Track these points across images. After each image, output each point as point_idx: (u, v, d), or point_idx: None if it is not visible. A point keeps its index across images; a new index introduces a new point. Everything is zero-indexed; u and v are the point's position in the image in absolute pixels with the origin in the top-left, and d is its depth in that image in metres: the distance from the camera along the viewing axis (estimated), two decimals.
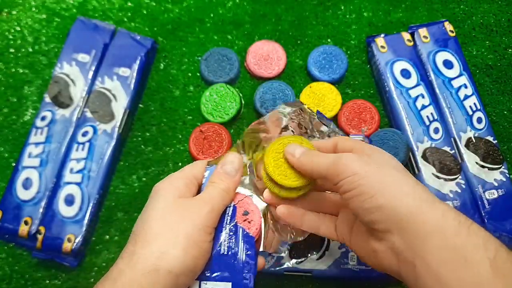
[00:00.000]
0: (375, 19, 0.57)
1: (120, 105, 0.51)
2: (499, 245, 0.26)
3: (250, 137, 0.41)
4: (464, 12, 0.57)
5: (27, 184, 0.48)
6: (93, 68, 0.52)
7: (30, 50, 0.56)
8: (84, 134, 0.50)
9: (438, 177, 0.48)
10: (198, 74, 0.55)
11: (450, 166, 0.48)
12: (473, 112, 0.50)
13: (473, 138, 0.49)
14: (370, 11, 0.57)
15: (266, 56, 0.54)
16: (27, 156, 0.49)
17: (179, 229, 0.30)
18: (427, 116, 0.50)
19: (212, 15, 0.58)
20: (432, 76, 0.51)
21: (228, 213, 0.34)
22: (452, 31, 0.53)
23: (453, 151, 0.49)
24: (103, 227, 0.50)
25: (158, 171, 0.52)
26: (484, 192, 0.48)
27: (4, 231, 0.47)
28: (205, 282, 0.32)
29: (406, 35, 0.53)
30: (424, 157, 0.48)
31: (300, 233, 0.39)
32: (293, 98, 0.52)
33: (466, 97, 0.50)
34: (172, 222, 0.30)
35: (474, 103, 0.50)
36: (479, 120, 0.50)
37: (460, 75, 0.51)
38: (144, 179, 0.51)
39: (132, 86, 0.52)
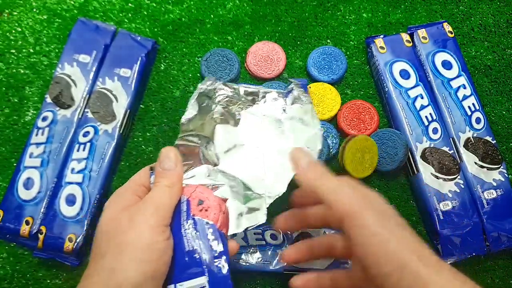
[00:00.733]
0: (375, 20, 0.57)
1: (121, 106, 0.51)
2: None
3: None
4: (463, 13, 0.57)
5: (28, 184, 0.49)
6: (94, 68, 0.53)
7: (31, 50, 0.56)
8: (85, 135, 0.50)
9: (437, 177, 0.48)
10: (199, 75, 0.56)
11: (449, 166, 0.48)
12: (472, 112, 0.50)
13: (472, 138, 0.49)
14: (369, 12, 0.58)
15: (266, 57, 0.54)
16: (28, 156, 0.49)
17: (124, 240, 0.30)
18: (426, 117, 0.50)
19: (212, 16, 0.58)
20: (431, 77, 0.52)
21: (182, 209, 0.34)
22: (451, 32, 0.54)
23: (452, 151, 0.49)
24: None
25: None
26: (483, 192, 0.48)
27: (5, 230, 0.48)
28: (180, 283, 0.31)
29: (405, 36, 0.53)
30: (423, 157, 0.49)
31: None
32: None
33: (465, 97, 0.51)
34: (117, 235, 0.30)
35: (473, 104, 0.51)
36: (478, 120, 0.50)
37: (459, 75, 0.52)
38: None
39: (133, 86, 0.52)
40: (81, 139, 0.50)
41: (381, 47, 0.53)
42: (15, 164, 0.51)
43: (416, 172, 0.49)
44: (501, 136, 0.52)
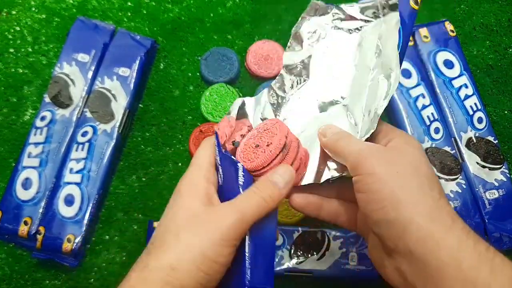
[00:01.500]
0: None
1: (120, 105, 0.51)
2: None
3: None
4: (465, 12, 0.57)
5: (26, 184, 0.48)
6: (93, 68, 0.52)
7: (30, 50, 0.56)
8: (84, 134, 0.50)
9: (438, 177, 0.48)
10: (198, 74, 0.55)
11: (450, 166, 0.48)
12: (474, 112, 0.50)
13: (473, 138, 0.49)
14: None
15: (266, 56, 0.54)
16: (26, 156, 0.49)
17: (194, 243, 0.28)
18: (428, 116, 0.50)
19: (212, 15, 0.58)
20: (433, 76, 0.51)
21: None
22: (452, 31, 0.53)
23: (454, 151, 0.49)
24: (103, 227, 0.49)
25: (158, 171, 0.51)
26: (484, 192, 0.47)
27: (3, 231, 0.47)
28: None
29: None
30: None
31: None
32: None
33: (467, 97, 0.50)
34: (188, 235, 0.28)
35: (475, 103, 0.50)
36: (480, 120, 0.50)
37: (461, 75, 0.51)
38: (144, 179, 0.51)
39: (132, 86, 0.52)
40: (80, 139, 0.49)
41: None
42: (13, 164, 0.51)
43: None
44: (503, 136, 0.52)
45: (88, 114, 0.50)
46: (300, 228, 0.47)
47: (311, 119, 0.36)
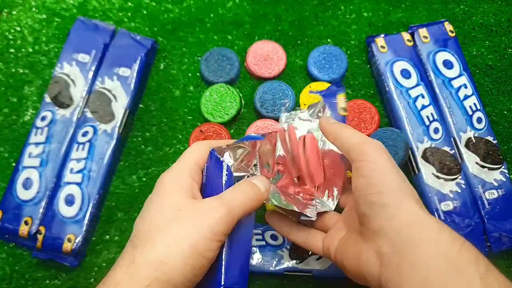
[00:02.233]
0: (375, 19, 0.57)
1: (120, 105, 0.51)
2: (490, 264, 0.26)
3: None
4: (464, 12, 0.57)
5: (27, 184, 0.48)
6: (93, 68, 0.52)
7: (30, 50, 0.56)
8: (84, 134, 0.50)
9: (438, 177, 0.48)
10: (198, 74, 0.55)
11: (450, 166, 0.48)
12: (473, 112, 0.50)
13: (473, 138, 0.49)
14: (370, 11, 0.57)
15: (266, 56, 0.54)
16: (27, 156, 0.49)
17: (182, 236, 0.28)
18: (427, 116, 0.50)
19: (212, 15, 0.58)
20: (432, 76, 0.51)
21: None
22: (452, 31, 0.53)
23: (453, 151, 0.49)
24: (103, 227, 0.50)
25: (158, 171, 0.52)
26: (484, 192, 0.48)
27: (4, 231, 0.47)
28: None
29: (406, 35, 0.53)
30: (424, 157, 0.48)
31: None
32: (293, 97, 0.52)
33: (466, 97, 0.50)
34: (176, 228, 0.28)
35: (474, 103, 0.50)
36: (479, 120, 0.50)
37: (460, 75, 0.51)
38: (144, 179, 0.51)
39: (132, 86, 0.52)
40: (80, 139, 0.50)
41: (382, 47, 0.52)
42: (14, 164, 0.51)
43: (417, 172, 0.48)
44: (502, 136, 0.52)
45: (89, 114, 0.51)
46: None
47: None
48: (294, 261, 0.45)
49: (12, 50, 0.56)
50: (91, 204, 0.47)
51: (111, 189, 0.51)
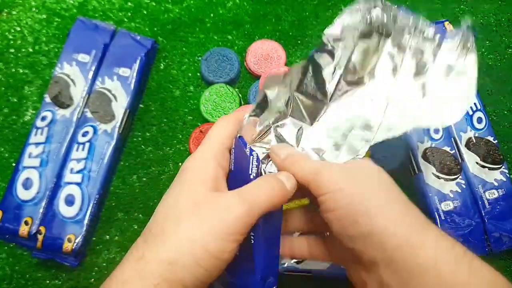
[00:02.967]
0: None
1: (120, 105, 0.51)
2: (507, 285, 0.23)
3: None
4: (464, 12, 0.57)
5: (27, 184, 0.48)
6: (93, 68, 0.52)
7: (30, 50, 0.56)
8: (84, 134, 0.50)
9: (438, 177, 0.48)
10: (198, 74, 0.55)
11: (450, 166, 0.48)
12: (473, 112, 0.50)
13: (473, 138, 0.49)
14: None
15: (266, 56, 0.54)
16: (27, 156, 0.49)
17: (195, 236, 0.25)
18: None
19: (212, 15, 0.58)
20: None
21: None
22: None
23: (454, 151, 0.49)
24: (103, 227, 0.50)
25: (158, 171, 0.52)
26: (484, 192, 0.47)
27: (4, 231, 0.47)
28: None
29: None
30: (424, 157, 0.48)
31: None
32: None
33: None
34: (189, 227, 0.26)
35: (474, 103, 0.50)
36: (479, 120, 0.50)
37: None
38: (144, 179, 0.51)
39: (132, 86, 0.52)
40: (80, 139, 0.50)
41: None
42: (14, 164, 0.51)
43: (417, 172, 0.48)
44: (503, 136, 0.52)
45: (89, 114, 0.51)
46: None
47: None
48: (294, 261, 0.45)
49: (12, 50, 0.56)
50: (91, 204, 0.47)
51: (111, 189, 0.51)
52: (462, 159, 0.49)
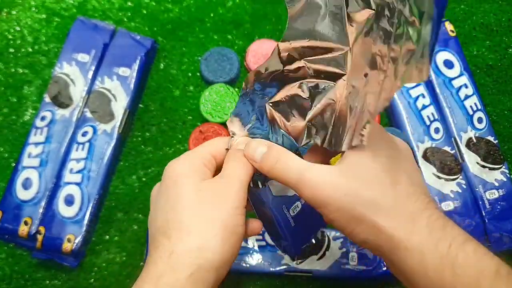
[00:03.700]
0: None
1: (120, 105, 0.51)
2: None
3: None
4: (465, 12, 0.57)
5: (27, 184, 0.48)
6: (93, 68, 0.52)
7: (30, 50, 0.56)
8: (84, 134, 0.50)
9: (438, 177, 0.48)
10: (198, 74, 0.55)
11: (450, 166, 0.48)
12: (474, 112, 0.50)
13: (473, 138, 0.49)
14: None
15: (266, 55, 0.54)
16: (27, 156, 0.49)
17: (214, 217, 0.27)
18: (428, 116, 0.50)
19: (212, 15, 0.57)
20: (433, 76, 0.51)
21: None
22: (452, 31, 0.53)
23: (454, 151, 0.49)
24: (103, 227, 0.49)
25: (158, 171, 0.51)
26: (484, 192, 0.47)
27: (4, 231, 0.47)
28: None
29: None
30: (424, 157, 0.48)
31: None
32: None
33: (467, 97, 0.50)
34: (204, 210, 0.27)
35: (475, 103, 0.50)
36: (480, 120, 0.50)
37: (461, 75, 0.51)
38: (144, 179, 0.51)
39: (132, 86, 0.52)
40: (80, 139, 0.49)
41: None
42: (13, 164, 0.51)
43: None
44: (503, 136, 0.52)
45: (88, 114, 0.50)
46: None
47: None
48: (295, 261, 0.45)
49: (11, 50, 0.56)
50: (91, 204, 0.47)
51: (111, 189, 0.51)
52: (463, 159, 0.49)
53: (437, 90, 0.51)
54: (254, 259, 0.46)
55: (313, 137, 0.30)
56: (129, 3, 0.58)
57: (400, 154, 0.28)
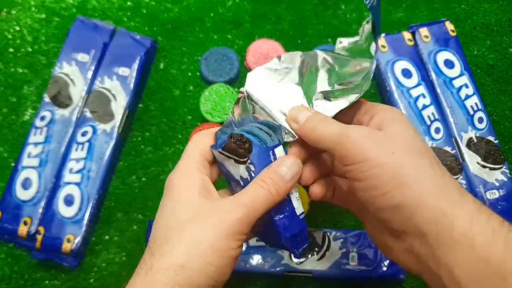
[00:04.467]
0: None
1: (119, 105, 0.51)
2: None
3: None
4: (465, 12, 0.57)
5: (26, 184, 0.48)
6: (93, 67, 0.52)
7: (30, 49, 0.56)
8: (84, 134, 0.50)
9: None
10: (198, 74, 0.55)
11: (451, 166, 0.48)
12: (474, 112, 0.50)
13: (474, 138, 0.49)
14: None
15: (266, 55, 0.54)
16: (26, 156, 0.49)
17: (203, 237, 0.26)
18: (428, 116, 0.49)
19: (212, 15, 0.57)
20: (433, 76, 0.51)
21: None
22: (453, 31, 0.53)
23: (454, 151, 0.49)
24: (102, 227, 0.49)
25: (158, 171, 0.51)
26: (485, 192, 0.47)
27: (3, 231, 0.47)
28: None
29: (407, 35, 0.53)
30: None
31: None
32: None
33: (467, 97, 0.50)
34: (194, 230, 0.26)
35: (475, 103, 0.50)
36: (480, 120, 0.50)
37: (461, 74, 0.51)
38: (143, 179, 0.51)
39: (131, 85, 0.52)
40: (80, 138, 0.49)
41: (383, 46, 0.52)
42: (13, 164, 0.51)
43: None
44: (504, 136, 0.52)
45: (88, 114, 0.50)
46: None
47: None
48: (295, 261, 0.45)
49: (11, 50, 0.56)
50: (90, 204, 0.47)
51: (110, 189, 0.51)
52: (463, 159, 0.48)
53: (438, 90, 0.51)
54: (254, 259, 0.46)
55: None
56: (129, 3, 0.58)
57: (413, 132, 0.27)
